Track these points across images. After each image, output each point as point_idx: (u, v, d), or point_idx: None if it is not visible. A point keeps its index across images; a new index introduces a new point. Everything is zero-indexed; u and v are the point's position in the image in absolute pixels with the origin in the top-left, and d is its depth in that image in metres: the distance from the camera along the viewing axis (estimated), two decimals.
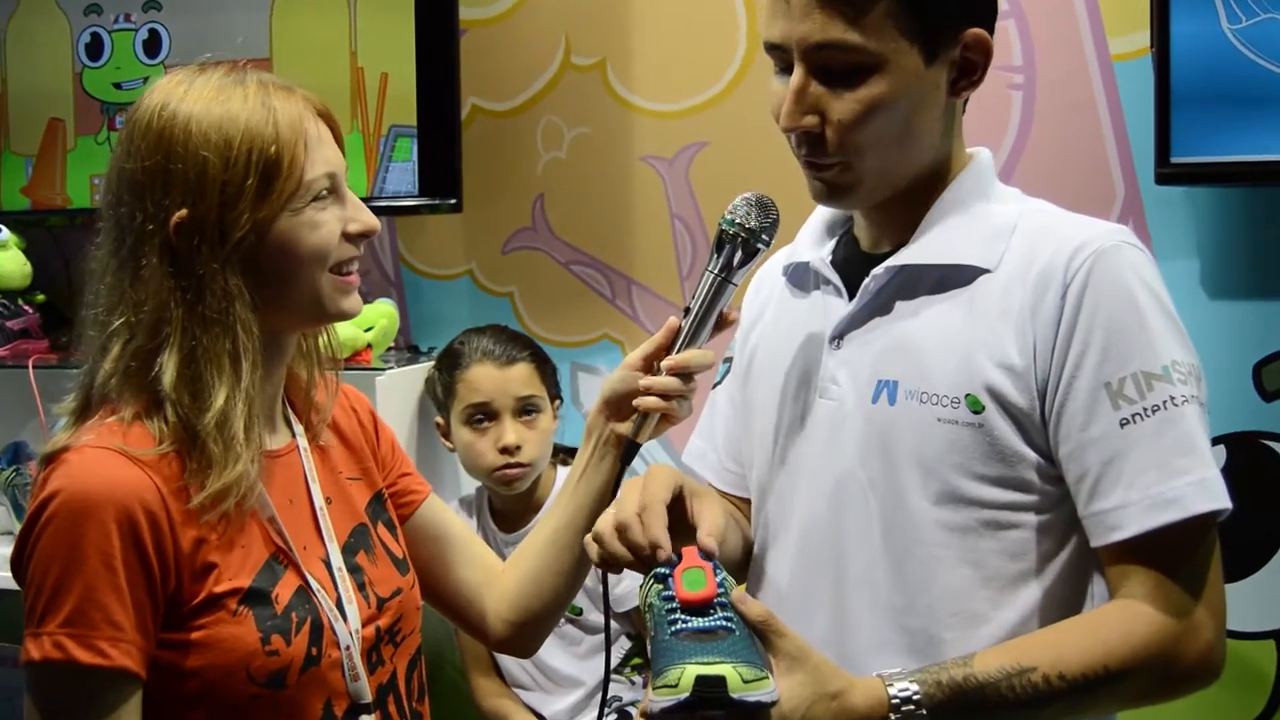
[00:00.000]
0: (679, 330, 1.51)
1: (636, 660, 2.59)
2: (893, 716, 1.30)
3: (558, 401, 2.64)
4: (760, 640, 1.31)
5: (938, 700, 1.31)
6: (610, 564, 1.41)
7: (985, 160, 1.51)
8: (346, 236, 1.44)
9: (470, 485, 2.72)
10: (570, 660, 2.59)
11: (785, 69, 1.41)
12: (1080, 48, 2.47)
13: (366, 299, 2.80)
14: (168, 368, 1.37)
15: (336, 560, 1.48)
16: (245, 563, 1.39)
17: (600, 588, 2.47)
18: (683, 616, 1.30)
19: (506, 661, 2.65)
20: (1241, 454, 2.40)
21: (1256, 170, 2.20)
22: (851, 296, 1.48)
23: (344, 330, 2.58)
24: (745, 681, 1.23)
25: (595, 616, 2.58)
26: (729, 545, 1.58)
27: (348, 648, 1.43)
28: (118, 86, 2.87)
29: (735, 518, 1.62)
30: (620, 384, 1.56)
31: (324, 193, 1.43)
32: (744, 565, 1.62)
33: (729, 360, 1.68)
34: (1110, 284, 1.36)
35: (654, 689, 1.25)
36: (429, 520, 1.67)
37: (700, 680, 1.22)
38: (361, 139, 2.71)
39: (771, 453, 1.56)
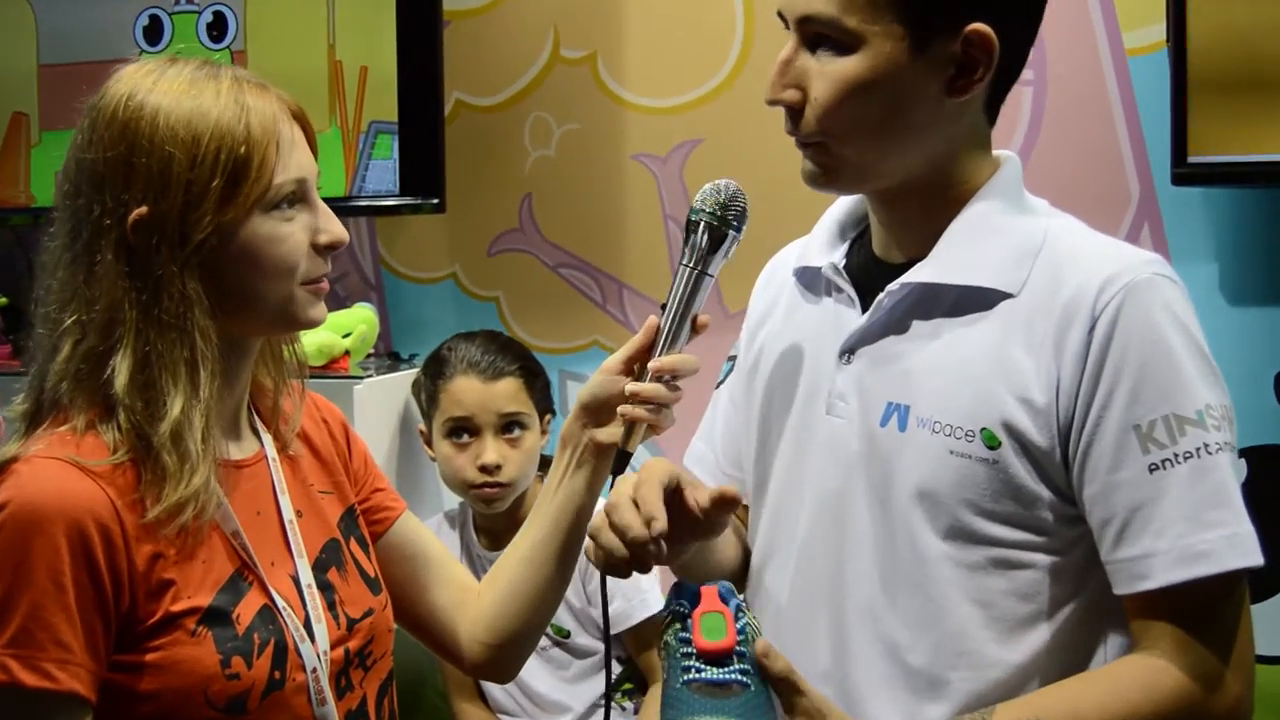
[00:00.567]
0: (659, 330, 1.51)
1: (628, 685, 2.58)
2: None
3: (549, 416, 2.62)
4: (779, 696, 1.30)
5: None
6: (610, 565, 1.37)
7: (1012, 169, 1.48)
8: (315, 248, 1.44)
9: (454, 499, 2.71)
10: (557, 685, 2.58)
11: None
12: (1093, 41, 2.47)
13: (345, 303, 2.80)
14: (120, 371, 1.36)
15: (306, 576, 1.47)
16: (206, 579, 1.38)
17: (590, 610, 2.48)
18: (697, 665, 1.28)
19: (491, 687, 2.65)
20: (1262, 467, 2.39)
21: (1278, 170, 2.19)
22: (865, 307, 1.47)
23: (320, 336, 2.58)
24: None
25: (584, 639, 2.56)
26: (727, 556, 1.58)
27: (314, 670, 1.42)
28: None
29: (734, 524, 1.61)
30: (600, 389, 1.55)
31: (293, 199, 1.42)
32: (742, 574, 1.60)
33: (733, 359, 1.67)
34: (1142, 320, 1.35)
35: None
36: (403, 539, 1.66)
37: None
38: (340, 135, 2.71)
39: (771, 465, 1.55)
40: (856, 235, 1.56)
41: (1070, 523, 1.38)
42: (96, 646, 1.32)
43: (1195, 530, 1.32)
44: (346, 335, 2.67)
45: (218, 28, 2.82)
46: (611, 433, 1.54)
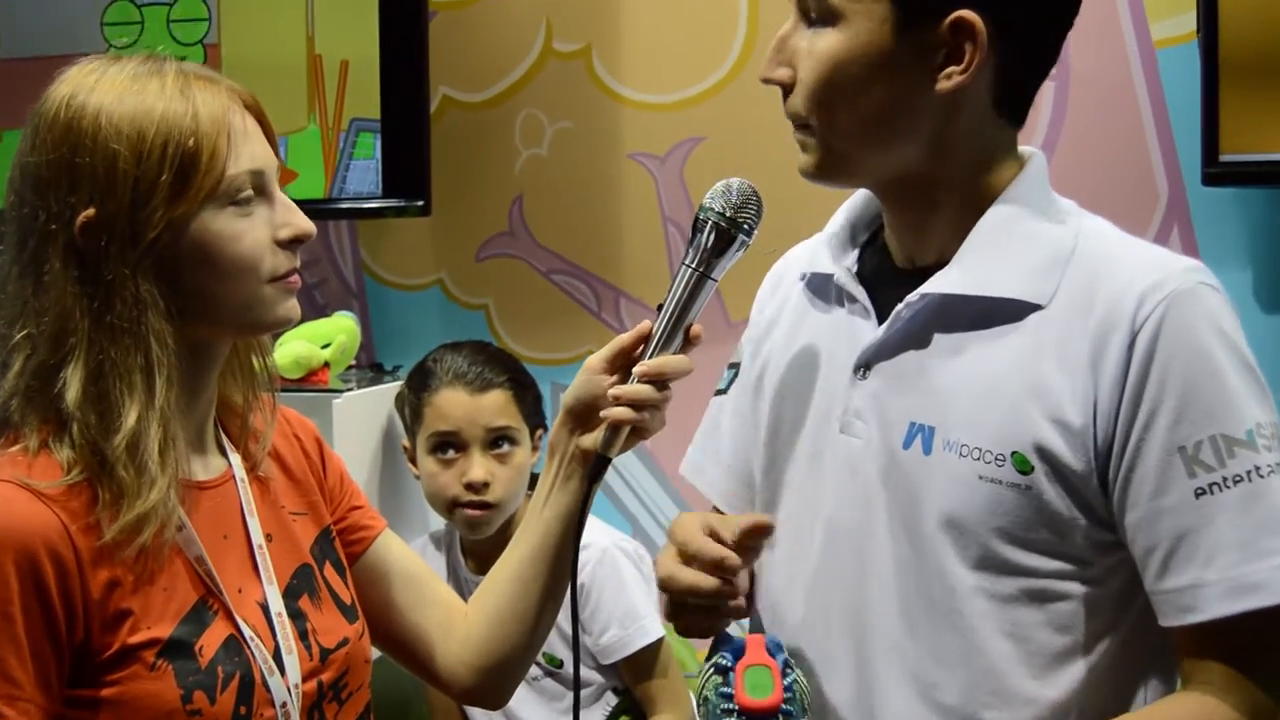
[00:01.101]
0: (650, 332, 1.50)
1: (625, 718, 2.58)
2: None
3: (540, 431, 2.62)
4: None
5: None
6: (692, 623, 1.47)
7: (1037, 168, 1.47)
8: (279, 244, 1.43)
9: (441, 519, 2.70)
10: (550, 717, 2.57)
11: None
12: (1118, 32, 2.48)
13: (324, 312, 2.80)
14: (71, 384, 1.36)
15: (276, 605, 1.46)
16: (167, 608, 1.37)
17: (584, 637, 2.46)
18: None
19: (479, 716, 2.63)
20: None
21: None
22: (881, 318, 1.45)
23: (298, 347, 2.58)
24: None
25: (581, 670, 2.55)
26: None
27: (284, 705, 1.41)
28: None
29: None
30: (583, 391, 1.54)
31: (249, 192, 1.42)
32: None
33: (736, 366, 1.65)
34: (1185, 334, 1.33)
35: None
36: (383, 559, 1.65)
37: None
38: (319, 133, 2.72)
39: (781, 486, 1.53)
40: (869, 238, 1.54)
41: (1108, 550, 1.36)
42: (49, 681, 1.31)
43: (1248, 559, 1.30)
44: (326, 346, 2.67)
45: (190, 21, 2.82)
46: (598, 438, 1.52)
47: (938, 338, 1.42)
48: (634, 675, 2.53)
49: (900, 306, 1.42)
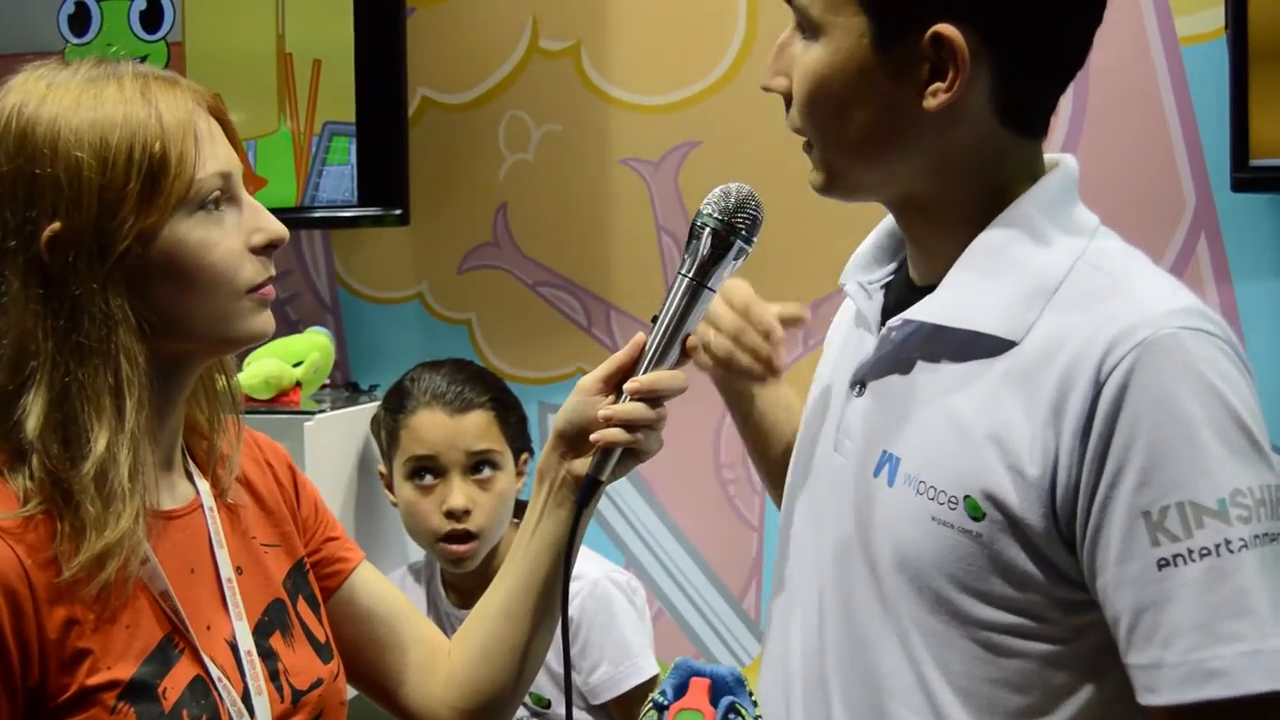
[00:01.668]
0: (645, 347, 1.50)
1: None
2: None
3: (525, 455, 2.62)
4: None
5: None
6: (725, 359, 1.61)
7: (1053, 183, 1.44)
8: (252, 250, 1.43)
9: (420, 550, 2.70)
10: None
11: None
12: (1141, 28, 2.49)
13: (296, 327, 2.80)
14: (31, 412, 1.35)
15: (246, 642, 1.46)
16: (130, 648, 1.37)
17: (574, 675, 2.46)
18: None
19: None
20: None
21: None
22: None
23: (268, 365, 2.57)
24: None
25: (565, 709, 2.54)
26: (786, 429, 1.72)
27: None
28: None
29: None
30: (576, 413, 1.53)
31: (218, 196, 1.42)
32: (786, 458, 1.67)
33: None
34: (1156, 387, 1.29)
35: None
36: (360, 593, 1.65)
37: None
38: (290, 138, 2.73)
39: (796, 501, 1.55)
40: (903, 257, 1.54)
41: (1074, 609, 1.34)
42: None
43: (1208, 643, 1.26)
44: (298, 364, 2.67)
45: (152, 17, 2.83)
46: (590, 463, 1.53)
47: (920, 365, 1.42)
48: (626, 715, 2.52)
49: (886, 328, 1.43)
